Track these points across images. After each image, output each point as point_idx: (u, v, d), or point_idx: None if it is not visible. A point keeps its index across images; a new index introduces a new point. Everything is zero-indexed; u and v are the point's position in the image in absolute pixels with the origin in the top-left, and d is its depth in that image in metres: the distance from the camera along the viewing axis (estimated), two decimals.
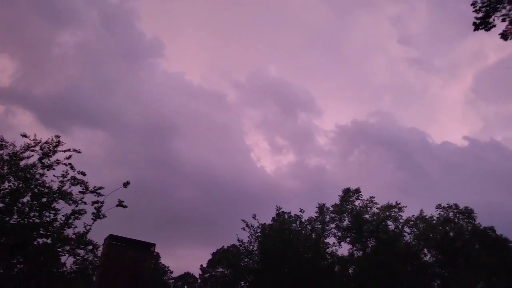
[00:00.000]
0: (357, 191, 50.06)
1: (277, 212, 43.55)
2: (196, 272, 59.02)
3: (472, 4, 30.69)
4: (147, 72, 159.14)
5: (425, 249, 46.43)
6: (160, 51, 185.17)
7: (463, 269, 39.56)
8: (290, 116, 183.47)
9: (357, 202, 49.77)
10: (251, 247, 37.61)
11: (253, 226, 37.86)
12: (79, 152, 16.64)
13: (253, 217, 38.15)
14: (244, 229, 37.61)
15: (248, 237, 37.53)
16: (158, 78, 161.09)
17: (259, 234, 37.16)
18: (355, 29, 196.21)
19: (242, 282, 40.01)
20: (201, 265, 55.29)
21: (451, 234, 45.42)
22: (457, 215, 47.08)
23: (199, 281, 57.49)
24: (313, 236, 44.08)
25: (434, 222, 47.10)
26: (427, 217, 47.94)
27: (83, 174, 16.57)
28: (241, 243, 37.42)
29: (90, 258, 18.49)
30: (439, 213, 47.83)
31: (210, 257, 47.43)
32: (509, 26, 29.46)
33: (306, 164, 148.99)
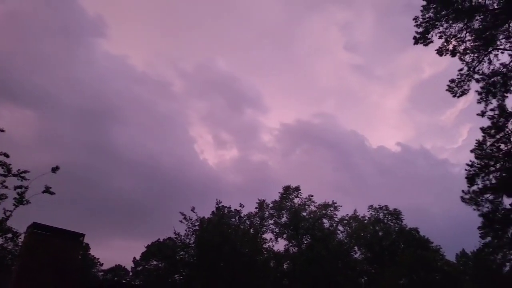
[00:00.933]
0: (297, 189, 51.48)
1: (217, 206, 43.36)
2: (129, 265, 57.10)
3: (414, 19, 32.86)
4: (87, 52, 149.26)
5: (355, 247, 49.02)
6: (102, 30, 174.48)
7: (388, 266, 42.37)
8: (236, 111, 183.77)
9: (296, 200, 51.21)
10: (188, 240, 37.06)
11: (191, 219, 37.29)
12: (2, 131, 15.08)
13: (191, 210, 37.60)
14: (181, 221, 36.91)
15: (186, 230, 36.93)
16: (98, 59, 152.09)
17: (197, 227, 36.72)
18: (306, 31, 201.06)
19: (176, 276, 39.34)
20: (134, 258, 53.58)
21: (380, 233, 48.40)
22: (387, 216, 50.32)
23: (130, 274, 55.62)
24: (251, 232, 44.57)
25: (365, 221, 49.86)
26: (359, 216, 50.62)
27: (6, 155, 15.03)
28: (177, 236, 36.71)
29: (9, 247, 16.95)
30: (371, 214, 50.80)
31: (144, 249, 46.00)
32: (445, 43, 31.92)
33: (249, 159, 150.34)
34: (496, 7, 29.53)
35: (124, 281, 50.91)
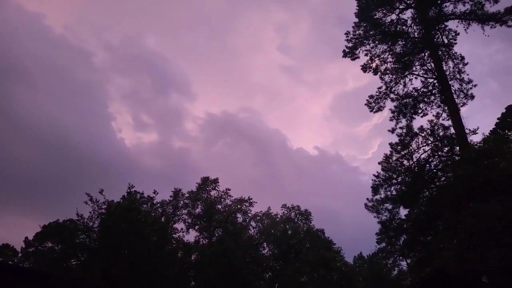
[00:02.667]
0: (215, 181, 51.24)
1: (128, 190, 41.14)
2: (19, 245, 51.60)
3: (345, 34, 34.65)
4: None
5: (265, 243, 50.42)
6: None
7: (293, 263, 44.32)
8: (162, 94, 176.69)
9: (213, 192, 50.92)
10: (91, 223, 34.50)
11: (98, 202, 34.74)
12: None
13: (100, 192, 35.00)
14: (86, 203, 34.17)
15: (90, 212, 34.28)
16: (8, 14, 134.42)
17: (103, 211, 34.34)
18: (243, 25, 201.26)
19: (74, 260, 36.46)
20: (26, 238, 48.50)
21: (289, 232, 50.39)
22: (298, 216, 52.57)
23: (19, 255, 50.32)
24: (162, 220, 43.20)
25: (277, 219, 51.54)
26: (272, 214, 52.16)
27: None
28: (80, 218, 33.93)
29: None
30: (283, 212, 52.61)
31: (39, 229, 41.80)
32: (369, 61, 34.19)
33: (170, 145, 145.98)
34: (416, 35, 32.46)
35: (10, 262, 45.83)
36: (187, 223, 48.60)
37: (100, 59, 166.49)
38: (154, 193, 41.38)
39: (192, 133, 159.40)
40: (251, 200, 50.74)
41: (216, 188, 51.23)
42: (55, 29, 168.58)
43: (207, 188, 51.21)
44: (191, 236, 48.29)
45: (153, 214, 41.39)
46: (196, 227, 48.79)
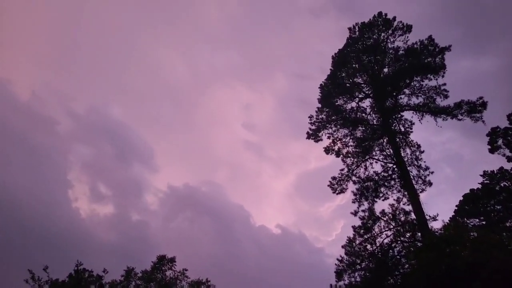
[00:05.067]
0: (172, 260, 47.53)
1: (76, 268, 37.32)
2: None
3: (309, 117, 36.17)
4: None
5: None
6: None
7: None
8: (123, 164, 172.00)
9: (168, 272, 47.22)
10: None
11: (40, 280, 30.96)
12: None
13: (44, 269, 31.41)
14: (27, 281, 30.38)
15: None
16: None
17: None
18: (210, 100, 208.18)
19: None
20: None
21: None
22: None
23: None
24: None
25: None
26: None
27: None
28: None
29: None
30: None
31: None
32: (332, 144, 35.36)
33: (127, 218, 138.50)
34: (375, 123, 34.36)
35: None
36: None
37: (63, 127, 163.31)
38: (103, 271, 37.79)
39: (152, 207, 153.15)
40: (209, 283, 47.26)
41: (173, 267, 47.61)
42: (21, 96, 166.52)
43: (163, 268, 47.53)
44: None
45: None
46: None
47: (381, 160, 33.46)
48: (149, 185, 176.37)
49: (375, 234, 30.42)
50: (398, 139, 33.00)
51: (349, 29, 35.39)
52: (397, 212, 30.76)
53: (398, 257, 29.32)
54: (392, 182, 32.31)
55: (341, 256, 30.68)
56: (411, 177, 31.12)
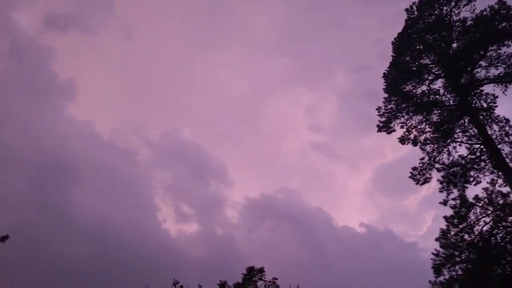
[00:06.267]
0: (261, 270, 48.53)
1: (174, 286, 39.94)
2: None
3: (377, 109, 34.79)
4: (52, 113, 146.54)
5: None
6: (70, 96, 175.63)
7: None
8: (201, 183, 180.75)
9: (259, 283, 48.22)
10: None
11: None
12: None
13: None
14: None
15: None
16: (63, 122, 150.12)
17: None
18: (271, 109, 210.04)
19: None
20: None
21: None
22: None
23: None
24: None
25: None
26: None
27: None
28: None
29: None
30: None
31: None
32: (406, 133, 33.53)
33: (213, 234, 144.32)
34: (452, 103, 31.91)
35: None
36: None
37: (143, 156, 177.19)
38: (199, 287, 39.90)
39: (233, 220, 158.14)
40: None
41: (263, 278, 48.57)
42: (103, 134, 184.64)
43: (254, 279, 48.67)
44: None
45: None
46: None
47: (465, 142, 30.87)
48: (227, 200, 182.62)
49: (472, 222, 28.00)
50: (481, 117, 30.20)
51: (406, 10, 33.60)
52: (494, 196, 28.01)
53: (502, 244, 26.60)
54: (482, 164, 29.58)
55: (436, 250, 28.69)
56: (504, 155, 28.19)
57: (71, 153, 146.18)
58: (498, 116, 29.97)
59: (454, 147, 31.35)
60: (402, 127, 33.38)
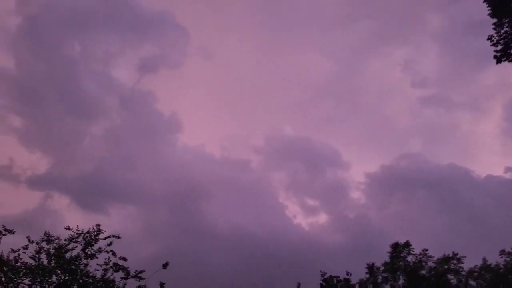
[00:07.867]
0: (407, 245, 46.73)
1: (323, 278, 41.02)
2: None
3: (488, 39, 30.81)
4: (168, 147, 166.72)
5: None
6: (178, 127, 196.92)
7: None
8: (317, 173, 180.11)
9: (409, 258, 46.25)
10: None
11: None
12: (119, 237, 16.70)
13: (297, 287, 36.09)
14: None
15: None
16: (179, 152, 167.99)
17: None
18: (365, 78, 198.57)
19: None
20: None
21: None
22: None
23: None
24: None
25: (501, 270, 42.53)
26: (492, 266, 43.49)
27: (125, 259, 16.41)
28: None
29: None
30: (505, 260, 43.29)
31: None
32: None
33: (345, 217, 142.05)
34: None
35: None
36: None
37: (255, 163, 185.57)
38: (347, 274, 40.32)
39: (360, 201, 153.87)
40: (457, 256, 43.98)
41: (411, 252, 46.58)
42: (215, 152, 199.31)
43: (401, 255, 46.99)
44: None
45: None
46: None
47: None
48: (348, 182, 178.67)
49: None
50: None
51: None
52: None
53: None
54: None
55: None
56: None
57: (194, 176, 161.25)
58: None
59: None
60: None
